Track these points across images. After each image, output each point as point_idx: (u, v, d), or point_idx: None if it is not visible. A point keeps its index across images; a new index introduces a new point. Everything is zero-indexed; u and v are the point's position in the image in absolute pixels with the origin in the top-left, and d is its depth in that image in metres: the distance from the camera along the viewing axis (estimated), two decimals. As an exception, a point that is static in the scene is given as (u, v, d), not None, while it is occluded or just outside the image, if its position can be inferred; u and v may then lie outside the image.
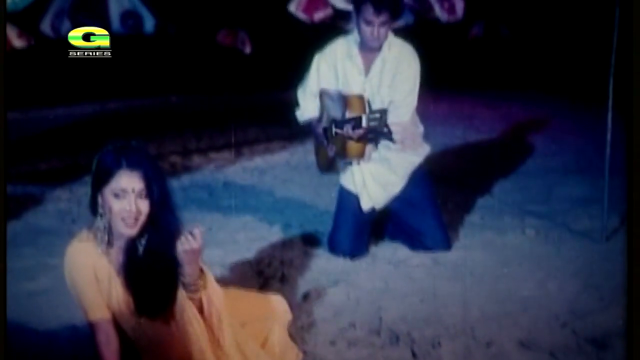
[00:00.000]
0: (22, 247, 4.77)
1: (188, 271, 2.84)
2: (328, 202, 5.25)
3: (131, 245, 2.88)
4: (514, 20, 11.60)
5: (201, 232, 2.81)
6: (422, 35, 4.68)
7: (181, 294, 2.88)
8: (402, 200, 4.58)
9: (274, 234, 4.97)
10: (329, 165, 4.62)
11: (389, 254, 4.58)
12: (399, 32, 4.55)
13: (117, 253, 2.90)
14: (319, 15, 9.18)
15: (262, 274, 4.32)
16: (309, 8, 9.17)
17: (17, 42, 8.90)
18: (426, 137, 4.62)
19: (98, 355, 2.85)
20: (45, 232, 5.14)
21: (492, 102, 9.90)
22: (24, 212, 5.53)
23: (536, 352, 3.36)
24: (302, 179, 6.52)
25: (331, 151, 4.46)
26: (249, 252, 4.64)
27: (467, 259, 4.49)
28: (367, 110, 4.31)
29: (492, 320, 3.67)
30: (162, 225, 2.86)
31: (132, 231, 2.83)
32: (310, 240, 4.82)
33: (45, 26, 9.59)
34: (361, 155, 4.43)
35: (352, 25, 4.53)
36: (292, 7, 9.22)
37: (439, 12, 8.75)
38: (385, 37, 4.37)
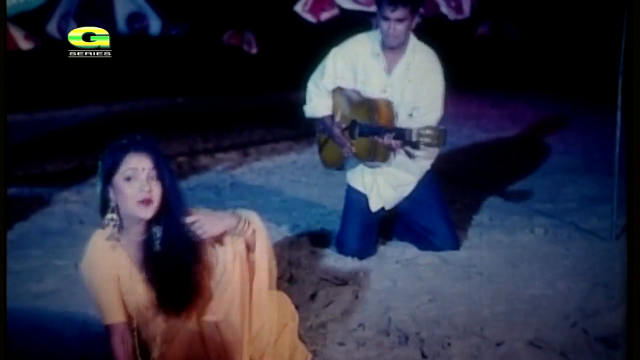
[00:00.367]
0: (29, 249, 4.77)
1: (217, 234, 2.89)
2: (335, 202, 5.24)
3: (148, 238, 2.87)
4: (520, 19, 11.59)
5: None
6: (428, 34, 4.64)
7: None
8: (411, 199, 4.56)
9: (282, 234, 4.95)
10: (338, 163, 4.59)
11: (397, 254, 4.57)
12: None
13: (134, 248, 2.88)
14: (325, 16, 9.16)
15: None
16: (315, 8, 9.15)
17: (24, 44, 8.92)
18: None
19: (112, 356, 2.84)
20: (52, 234, 5.14)
21: (499, 101, 9.88)
22: (31, 214, 5.53)
23: (546, 352, 3.34)
24: (309, 179, 6.52)
25: (349, 152, 4.42)
26: (256, 252, 4.61)
27: (475, 258, 4.47)
28: (394, 117, 4.29)
29: (502, 319, 3.65)
30: (174, 213, 2.85)
31: (148, 213, 2.81)
32: (318, 240, 4.80)
33: (52, 28, 9.61)
34: (387, 159, 4.40)
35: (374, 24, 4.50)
36: (298, 8, 9.21)
37: (446, 10, 8.73)
38: (405, 35, 4.30)
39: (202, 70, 11.77)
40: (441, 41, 4.68)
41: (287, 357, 3.11)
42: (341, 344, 3.47)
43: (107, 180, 2.83)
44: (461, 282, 4.13)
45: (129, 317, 2.88)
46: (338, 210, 4.91)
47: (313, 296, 3.98)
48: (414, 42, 4.40)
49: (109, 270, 2.84)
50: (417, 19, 4.37)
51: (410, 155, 4.40)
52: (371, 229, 4.57)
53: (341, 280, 4.18)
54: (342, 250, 4.56)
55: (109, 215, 2.85)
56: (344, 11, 8.93)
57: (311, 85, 4.54)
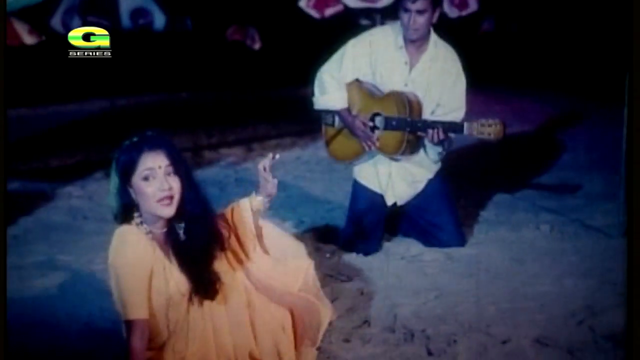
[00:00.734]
0: (33, 244, 4.76)
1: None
2: (340, 197, 5.23)
3: (169, 230, 2.89)
4: (524, 15, 11.55)
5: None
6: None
7: None
8: (421, 195, 4.54)
9: (286, 230, 4.92)
10: (353, 157, 4.51)
11: (402, 250, 4.55)
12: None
13: (160, 241, 2.90)
14: (330, 11, 9.14)
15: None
16: (320, 4, 9.13)
17: (28, 39, 8.90)
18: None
19: (129, 351, 2.82)
20: (57, 229, 5.13)
21: (504, 98, 9.84)
22: (35, 209, 5.52)
23: (553, 349, 3.32)
24: (313, 175, 6.49)
25: (371, 146, 4.38)
26: (261, 248, 4.60)
27: (481, 255, 4.46)
28: (422, 111, 4.27)
29: (508, 317, 3.63)
30: (194, 203, 2.89)
31: (170, 211, 2.84)
32: (322, 236, 4.78)
33: (56, 23, 9.59)
34: (414, 154, 4.39)
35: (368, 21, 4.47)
36: (303, 3, 9.19)
37: (448, 8, 8.71)
38: (425, 28, 4.27)
39: (205, 65, 11.74)
40: (444, 38, 4.65)
41: (315, 294, 3.19)
42: (346, 340, 3.46)
43: (126, 181, 2.84)
44: (467, 279, 4.11)
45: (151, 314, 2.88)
46: (343, 206, 4.89)
47: (318, 292, 3.96)
48: (435, 37, 4.37)
49: (143, 264, 2.82)
50: (438, 12, 4.33)
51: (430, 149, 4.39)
52: (378, 226, 4.55)
53: (346, 277, 4.16)
54: (347, 246, 4.54)
55: (136, 216, 2.87)
56: (348, 7, 8.92)
57: (327, 77, 4.43)
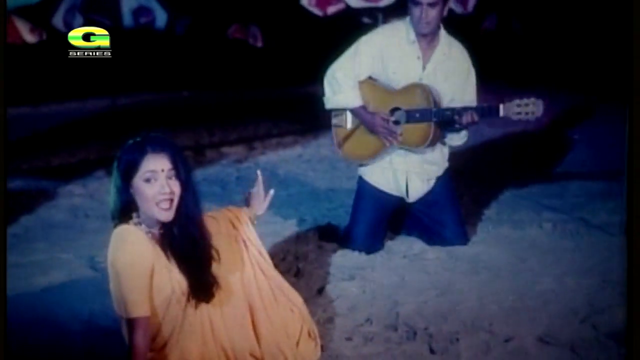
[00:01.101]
0: (34, 242, 4.76)
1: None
2: (342, 195, 5.22)
3: (166, 232, 2.90)
4: (526, 13, 11.54)
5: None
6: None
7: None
8: (426, 193, 4.53)
9: (288, 229, 4.93)
10: (371, 154, 4.46)
11: (404, 248, 4.54)
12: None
13: (157, 242, 2.90)
14: (332, 9, 9.14)
15: (276, 268, 4.27)
16: (322, 2, 9.12)
17: (30, 37, 8.90)
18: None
19: (131, 349, 2.81)
20: (58, 227, 5.13)
21: (506, 96, 9.83)
22: (36, 207, 5.52)
23: (556, 348, 3.31)
24: (315, 173, 6.49)
25: (393, 141, 4.36)
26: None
27: (483, 253, 4.45)
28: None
29: (510, 315, 3.62)
30: (190, 208, 2.90)
31: (169, 215, 2.85)
32: (325, 235, 4.78)
33: (58, 21, 9.59)
34: (436, 144, 4.39)
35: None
36: (305, 1, 9.18)
37: (454, 4, 8.70)
38: (436, 21, 4.26)
39: (207, 64, 11.74)
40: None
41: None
42: (349, 339, 3.45)
43: (127, 180, 2.84)
44: (469, 277, 4.10)
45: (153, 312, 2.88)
46: (345, 204, 4.88)
47: (320, 291, 3.96)
48: (444, 32, 4.37)
49: (144, 263, 2.82)
50: (448, 5, 4.32)
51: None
52: (382, 224, 4.54)
53: (348, 275, 4.15)
54: (350, 244, 4.52)
55: (134, 216, 2.87)
56: (351, 7, 8.91)
57: (340, 75, 4.37)
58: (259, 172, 3.37)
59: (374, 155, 4.45)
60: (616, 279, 3.98)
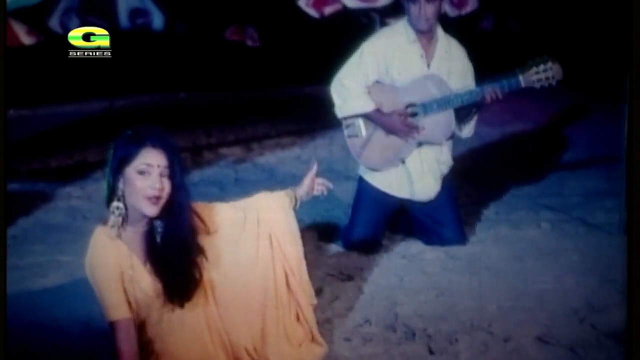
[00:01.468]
0: (32, 244, 4.75)
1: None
2: (340, 196, 5.21)
3: (150, 229, 2.88)
4: (523, 13, 11.54)
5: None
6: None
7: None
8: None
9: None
10: (395, 157, 4.43)
11: (403, 249, 4.54)
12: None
13: (137, 238, 2.88)
14: (329, 10, 9.13)
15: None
16: (319, 3, 9.12)
17: (26, 39, 8.89)
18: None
19: (116, 353, 2.82)
20: (56, 229, 5.12)
21: (503, 96, 9.82)
22: (34, 209, 5.51)
23: (555, 347, 3.31)
24: (313, 174, 6.47)
25: (416, 135, 4.34)
26: (261, 247, 4.58)
27: (481, 253, 4.44)
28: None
29: (509, 315, 3.62)
30: (178, 209, 2.88)
31: (154, 210, 2.83)
32: (323, 235, 4.78)
33: (54, 23, 9.58)
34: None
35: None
36: (302, 2, 9.17)
37: (448, 8, 8.71)
38: (435, 17, 4.28)
39: (204, 65, 11.74)
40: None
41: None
42: (347, 339, 3.45)
43: (119, 169, 2.82)
44: (468, 277, 4.09)
45: (134, 313, 2.86)
46: (343, 205, 4.88)
47: (319, 291, 3.94)
48: (441, 30, 4.40)
49: (112, 266, 2.82)
50: (445, 2, 4.34)
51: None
52: (381, 225, 4.54)
53: (347, 276, 4.15)
54: (349, 245, 4.52)
55: (115, 204, 2.84)
56: (347, 8, 8.90)
57: (348, 82, 4.36)
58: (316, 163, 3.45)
59: (395, 157, 4.43)
60: (615, 278, 3.98)
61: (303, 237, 4.68)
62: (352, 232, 4.53)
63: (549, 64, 4.16)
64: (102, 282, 2.81)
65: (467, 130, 4.49)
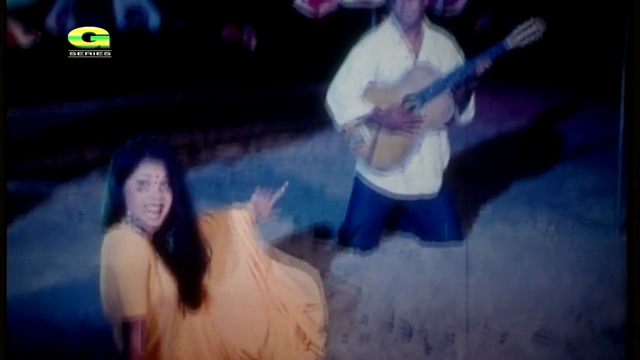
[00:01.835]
0: (29, 244, 4.74)
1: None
2: (337, 194, 5.21)
3: (161, 240, 2.89)
4: (520, 11, 11.53)
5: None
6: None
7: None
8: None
9: (284, 228, 4.91)
10: (401, 153, 4.42)
11: (399, 247, 4.54)
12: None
13: (151, 244, 2.90)
14: (325, 9, 9.11)
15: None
16: (315, 1, 9.10)
17: (23, 39, 8.87)
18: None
19: (126, 349, 2.81)
20: (52, 229, 5.11)
21: (500, 94, 9.83)
22: (31, 209, 5.50)
23: (552, 345, 3.32)
24: (310, 173, 6.47)
25: (419, 126, 4.33)
26: (258, 246, 4.59)
27: (478, 251, 4.45)
28: None
29: (506, 313, 3.62)
30: (181, 218, 2.91)
31: (156, 222, 2.85)
32: (320, 233, 4.77)
33: (51, 23, 9.56)
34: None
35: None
36: (298, 1, 9.15)
37: (440, 7, 8.70)
38: (419, 11, 4.29)
39: (201, 64, 11.72)
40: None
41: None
42: (344, 337, 3.45)
43: (121, 182, 2.83)
44: (465, 275, 4.10)
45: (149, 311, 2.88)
46: (340, 203, 4.87)
47: (316, 290, 3.95)
48: (428, 21, 4.40)
49: (142, 259, 2.83)
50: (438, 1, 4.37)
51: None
52: (377, 223, 4.53)
53: (344, 274, 4.15)
54: (345, 243, 4.52)
55: (127, 217, 2.87)
56: (343, 6, 8.89)
57: (342, 89, 4.36)
58: (286, 183, 3.57)
59: (405, 152, 4.42)
60: (612, 275, 3.99)
61: (300, 235, 4.72)
62: (348, 230, 4.53)
63: (531, 21, 4.19)
64: (128, 279, 2.80)
65: (466, 115, 4.48)
